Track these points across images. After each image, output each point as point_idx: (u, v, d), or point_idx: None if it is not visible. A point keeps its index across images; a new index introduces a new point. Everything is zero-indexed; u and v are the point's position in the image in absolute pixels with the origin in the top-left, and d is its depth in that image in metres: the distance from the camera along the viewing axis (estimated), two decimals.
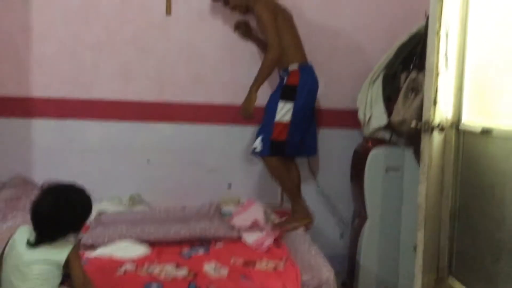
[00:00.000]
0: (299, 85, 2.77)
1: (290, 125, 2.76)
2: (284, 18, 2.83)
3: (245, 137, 3.21)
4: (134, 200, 3.07)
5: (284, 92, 2.78)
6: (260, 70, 2.75)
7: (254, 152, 2.86)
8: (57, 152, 3.12)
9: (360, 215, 2.93)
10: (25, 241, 1.73)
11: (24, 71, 3.10)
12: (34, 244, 1.72)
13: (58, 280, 1.74)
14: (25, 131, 3.12)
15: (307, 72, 2.82)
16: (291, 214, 2.89)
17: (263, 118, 2.87)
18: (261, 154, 2.82)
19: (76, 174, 3.04)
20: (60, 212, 1.74)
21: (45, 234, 1.73)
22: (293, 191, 2.91)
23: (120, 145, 3.17)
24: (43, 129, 3.13)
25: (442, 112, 2.71)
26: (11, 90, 3.11)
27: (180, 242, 2.47)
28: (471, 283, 2.97)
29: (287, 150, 2.82)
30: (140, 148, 3.18)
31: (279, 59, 2.74)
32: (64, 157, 3.13)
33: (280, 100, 2.76)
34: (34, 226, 1.74)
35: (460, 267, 3.11)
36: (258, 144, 2.81)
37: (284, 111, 2.76)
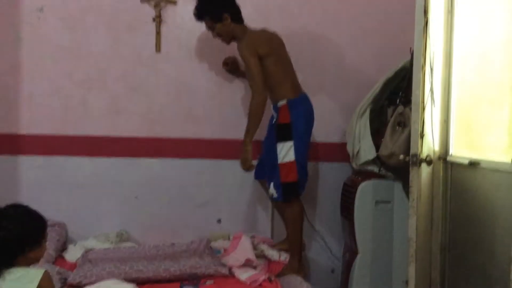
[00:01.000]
0: (291, 121, 2.72)
1: (296, 163, 2.71)
2: (273, 50, 2.74)
3: (234, 170, 3.18)
4: (122, 236, 3.02)
5: (278, 133, 2.73)
6: (249, 119, 2.73)
7: (272, 198, 2.83)
8: (44, 189, 3.09)
9: (351, 249, 2.91)
10: None
11: (13, 109, 3.09)
12: None
13: None
14: (12, 168, 3.09)
15: (298, 103, 2.77)
16: (287, 265, 2.76)
17: (266, 161, 2.84)
18: (278, 200, 2.78)
19: (63, 210, 3.05)
20: (14, 232, 1.71)
21: (2, 258, 1.69)
22: (299, 244, 2.81)
23: (108, 181, 3.15)
24: (30, 165, 3.10)
25: (430, 144, 2.75)
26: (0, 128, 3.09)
27: (169, 280, 2.42)
28: None
29: (299, 189, 2.78)
30: (128, 184, 3.16)
31: (264, 103, 2.69)
32: (52, 193, 3.08)
33: (278, 142, 2.72)
34: None
35: None
36: (272, 190, 2.75)
37: (285, 151, 2.70)
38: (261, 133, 2.90)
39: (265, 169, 2.87)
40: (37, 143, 3.11)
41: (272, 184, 2.75)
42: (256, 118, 2.70)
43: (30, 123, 3.11)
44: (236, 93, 3.21)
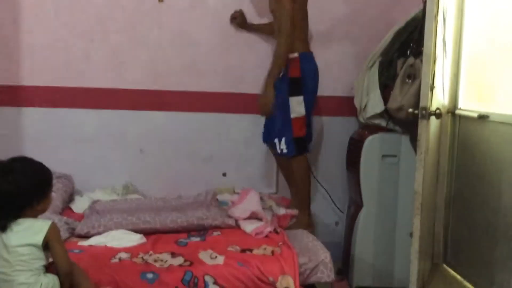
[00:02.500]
0: (302, 76, 2.67)
1: (306, 118, 2.69)
2: (300, 3, 2.69)
3: (239, 124, 3.19)
4: (128, 189, 3.04)
5: (291, 88, 2.67)
6: (275, 61, 2.64)
7: (281, 154, 2.76)
8: (48, 141, 3.08)
9: (355, 203, 2.92)
10: None
11: (14, 61, 3.04)
12: (3, 225, 1.69)
13: (42, 262, 1.71)
14: (14, 120, 3.07)
15: (310, 58, 2.73)
16: (296, 220, 2.77)
17: (276, 116, 2.75)
18: (289, 155, 2.73)
19: (68, 163, 3.05)
20: (21, 185, 1.71)
21: (10, 211, 1.70)
22: (307, 199, 2.81)
23: (113, 134, 3.13)
24: (33, 117, 3.08)
25: (439, 98, 2.71)
26: (0, 79, 3.04)
27: (176, 231, 2.45)
28: (465, 270, 2.99)
29: (308, 144, 2.77)
30: (133, 137, 3.14)
31: (291, 46, 2.62)
32: (56, 146, 3.08)
33: (290, 96, 2.66)
34: None
35: (455, 254, 3.13)
36: (283, 146, 2.70)
37: (297, 106, 2.66)
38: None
39: (273, 125, 2.80)
40: (39, 94, 3.07)
41: (283, 139, 2.71)
42: (282, 60, 2.63)
43: (31, 75, 3.06)
44: (240, 44, 3.15)
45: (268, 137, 2.89)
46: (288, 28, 2.59)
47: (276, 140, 2.75)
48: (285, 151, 2.71)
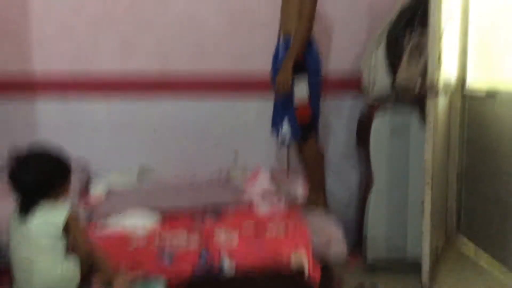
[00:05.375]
0: (306, 57, 2.63)
1: (311, 101, 2.65)
2: None
3: (249, 105, 3.20)
4: (143, 171, 3.08)
5: (294, 69, 2.60)
6: (297, 41, 2.57)
7: (284, 142, 2.72)
8: (62, 131, 3.12)
9: (366, 180, 2.95)
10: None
11: (25, 51, 3.08)
12: (26, 212, 1.73)
13: (62, 246, 1.75)
14: (28, 112, 3.11)
15: (313, 40, 2.69)
16: (311, 200, 2.75)
17: (278, 99, 2.75)
18: (294, 140, 2.71)
19: (83, 150, 3.09)
20: (42, 173, 1.75)
21: (32, 198, 1.74)
22: (322, 182, 2.80)
23: (125, 120, 3.17)
24: (47, 107, 3.12)
25: (447, 73, 2.71)
26: (13, 71, 3.09)
27: (191, 211, 2.49)
28: (479, 241, 3.02)
29: (315, 126, 2.74)
30: (145, 121, 3.18)
31: (310, 30, 2.59)
32: (70, 135, 3.12)
33: (294, 79, 2.60)
34: (20, 194, 1.76)
35: (468, 226, 3.15)
36: (286, 131, 2.67)
37: (302, 90, 2.63)
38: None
39: (277, 112, 2.79)
40: (52, 84, 3.11)
41: (286, 125, 2.69)
42: (305, 40, 2.58)
43: (42, 64, 3.09)
44: (248, 26, 3.15)
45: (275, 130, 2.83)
46: (311, 10, 2.57)
47: (279, 127, 2.73)
48: (288, 136, 2.69)
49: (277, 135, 2.76)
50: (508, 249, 2.70)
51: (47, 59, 3.10)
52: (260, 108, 3.18)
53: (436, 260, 2.81)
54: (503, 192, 2.72)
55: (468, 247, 3.09)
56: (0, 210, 2.33)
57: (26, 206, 1.75)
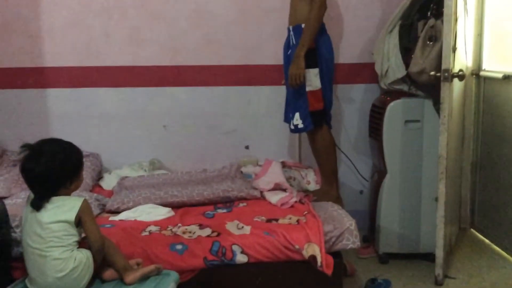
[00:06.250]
0: (317, 47, 2.61)
1: (323, 90, 2.64)
2: None
3: (259, 96, 3.19)
4: (154, 164, 3.09)
5: (306, 60, 2.57)
6: (308, 32, 2.55)
7: (296, 130, 2.71)
8: (73, 121, 3.15)
9: (379, 170, 2.91)
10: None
11: (35, 42, 3.09)
12: (38, 205, 1.73)
13: (75, 238, 1.76)
14: (40, 101, 3.13)
15: (323, 28, 2.67)
16: (324, 193, 2.76)
17: (290, 91, 2.72)
18: (306, 130, 2.69)
19: (94, 142, 3.12)
20: (54, 167, 1.74)
21: (44, 191, 1.75)
22: (334, 172, 2.79)
23: (135, 111, 3.18)
24: (58, 98, 3.14)
25: (462, 59, 2.65)
26: (24, 61, 3.11)
27: (203, 204, 2.49)
28: (493, 233, 2.97)
29: (327, 117, 2.73)
30: (155, 114, 3.18)
31: (320, 19, 2.56)
32: (81, 125, 3.15)
33: (306, 69, 2.57)
34: (32, 187, 1.76)
35: (482, 218, 3.11)
36: (298, 121, 2.65)
37: (314, 78, 2.61)
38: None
39: (290, 99, 2.77)
40: (63, 75, 3.13)
41: (297, 114, 2.66)
42: (316, 30, 2.56)
43: (53, 55, 3.11)
44: (257, 17, 3.11)
45: (288, 117, 2.82)
46: None
47: (291, 116, 2.71)
48: (300, 126, 2.66)
49: (290, 124, 2.73)
50: None
51: (57, 49, 3.11)
52: (271, 98, 3.16)
53: (450, 252, 2.78)
54: None
55: (483, 239, 3.05)
56: (14, 201, 2.37)
57: (38, 199, 1.75)
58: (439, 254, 2.50)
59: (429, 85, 2.65)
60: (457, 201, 3.02)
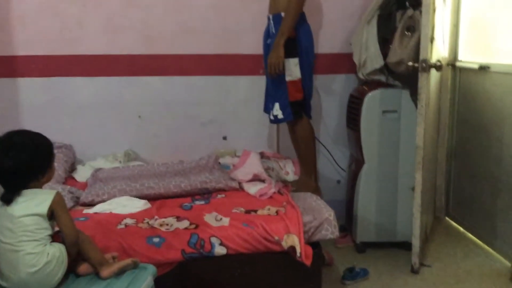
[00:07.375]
0: (297, 36, 2.57)
1: (302, 80, 2.62)
2: None
3: (237, 86, 3.15)
4: (129, 156, 3.04)
5: (286, 49, 2.53)
6: (288, 19, 2.51)
7: (276, 120, 2.68)
8: (46, 111, 3.06)
9: (357, 160, 2.92)
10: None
11: (5, 30, 2.98)
12: (9, 198, 1.68)
13: (47, 232, 1.71)
14: (11, 92, 3.04)
15: (303, 18, 2.64)
16: (302, 183, 2.73)
17: (269, 80, 2.70)
18: (286, 120, 2.67)
19: (67, 132, 3.04)
20: (24, 159, 1.69)
21: (15, 185, 1.70)
22: (313, 163, 2.78)
23: (110, 102, 3.11)
24: (29, 88, 3.05)
25: (439, 49, 2.67)
26: None
27: (180, 195, 2.46)
28: (468, 222, 3.03)
29: (306, 108, 2.71)
30: (131, 104, 3.12)
31: (301, 7, 2.53)
32: (54, 115, 3.07)
33: (286, 59, 2.54)
34: (2, 181, 1.71)
35: (457, 207, 3.16)
36: (278, 111, 2.62)
37: (293, 68, 2.58)
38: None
39: (269, 88, 2.75)
40: (34, 64, 3.03)
41: (277, 105, 2.64)
42: (295, 19, 2.53)
43: (24, 44, 3.01)
44: (236, 6, 3.07)
45: (268, 107, 2.80)
46: None
47: (270, 106, 2.69)
48: (280, 116, 2.64)
49: (270, 115, 2.72)
50: (497, 229, 2.71)
51: (30, 38, 3.02)
52: (249, 88, 3.13)
53: (425, 240, 2.82)
54: (493, 170, 2.72)
55: (457, 228, 3.11)
56: None
57: (8, 192, 1.70)
58: (416, 242, 2.53)
59: (406, 76, 2.67)
60: (432, 190, 3.06)
